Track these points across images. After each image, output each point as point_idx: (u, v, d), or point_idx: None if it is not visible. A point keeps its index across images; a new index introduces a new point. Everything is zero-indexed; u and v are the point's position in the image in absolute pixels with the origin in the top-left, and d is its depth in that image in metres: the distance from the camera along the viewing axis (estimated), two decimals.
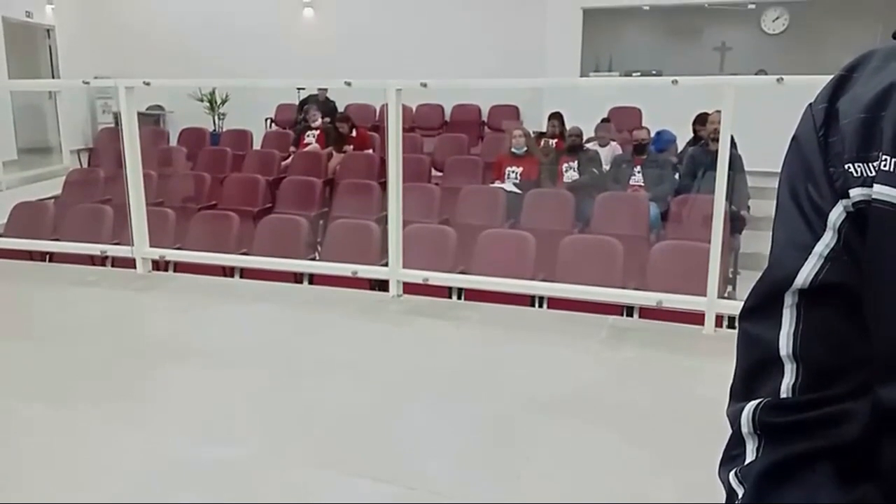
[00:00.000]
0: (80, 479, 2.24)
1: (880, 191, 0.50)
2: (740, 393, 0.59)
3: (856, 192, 0.52)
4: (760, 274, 0.60)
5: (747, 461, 0.57)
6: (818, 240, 0.55)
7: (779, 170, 0.60)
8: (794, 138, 0.58)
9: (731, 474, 0.57)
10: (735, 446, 0.58)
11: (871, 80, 0.54)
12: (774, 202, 0.60)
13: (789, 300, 0.56)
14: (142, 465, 2.33)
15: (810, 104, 0.58)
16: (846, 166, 0.53)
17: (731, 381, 0.61)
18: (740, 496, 0.57)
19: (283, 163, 7.76)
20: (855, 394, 0.53)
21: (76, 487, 2.19)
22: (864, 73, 0.55)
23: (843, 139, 0.53)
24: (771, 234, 0.59)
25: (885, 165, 0.50)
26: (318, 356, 3.22)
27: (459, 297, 4.15)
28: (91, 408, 2.71)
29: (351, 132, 8.19)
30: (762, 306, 0.58)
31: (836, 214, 0.54)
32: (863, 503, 0.52)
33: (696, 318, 3.46)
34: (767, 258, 0.59)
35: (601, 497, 2.16)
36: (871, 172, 0.51)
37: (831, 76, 0.58)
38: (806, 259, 0.55)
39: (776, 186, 0.60)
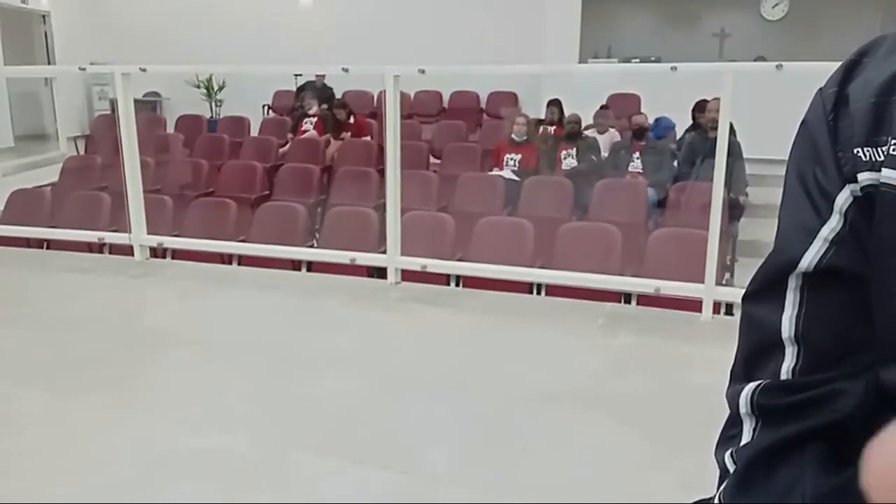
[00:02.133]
0: (76, 468, 2.24)
1: (889, 175, 0.50)
2: (740, 375, 0.59)
3: (864, 177, 0.52)
4: (759, 260, 0.60)
5: (743, 442, 0.57)
6: (824, 224, 0.55)
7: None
8: (803, 122, 0.58)
9: (727, 454, 0.58)
10: (731, 427, 0.58)
11: (881, 64, 0.53)
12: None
13: (793, 283, 0.56)
14: (139, 453, 2.33)
15: (820, 89, 0.57)
16: (855, 150, 0.53)
17: (731, 364, 0.61)
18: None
19: (281, 150, 7.74)
20: (852, 375, 0.53)
21: (73, 476, 2.20)
22: (874, 57, 0.55)
23: (852, 123, 0.53)
24: (777, 219, 0.59)
25: (894, 150, 0.50)
26: (316, 344, 3.23)
27: (457, 285, 4.15)
28: (88, 396, 2.71)
29: (348, 119, 8.16)
30: (765, 289, 0.58)
31: (843, 199, 0.54)
32: (848, 485, 0.52)
33: (694, 304, 3.47)
34: (769, 244, 0.59)
35: (599, 484, 2.17)
36: (880, 157, 0.51)
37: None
38: (811, 243, 0.55)
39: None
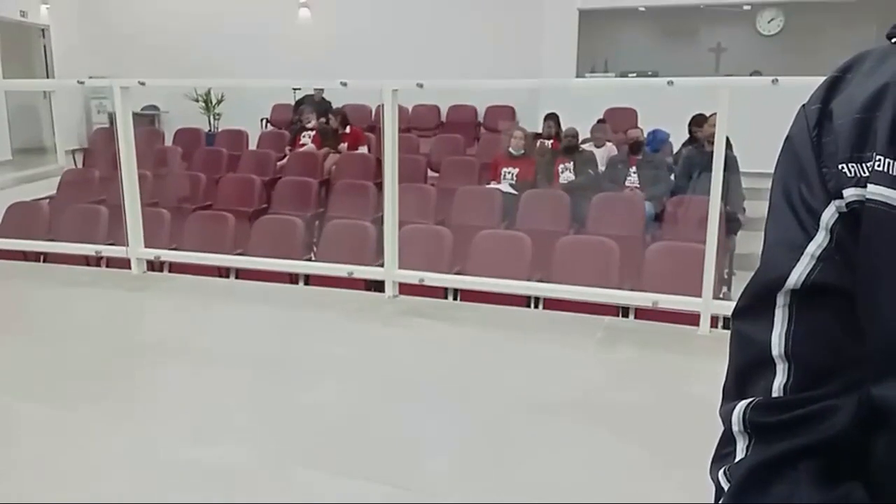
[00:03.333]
0: (74, 479, 2.23)
1: (874, 191, 0.50)
2: (732, 392, 0.60)
3: (849, 193, 0.52)
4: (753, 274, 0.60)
5: (737, 459, 0.57)
6: (810, 240, 0.55)
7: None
8: (787, 139, 0.59)
9: (721, 472, 0.58)
10: (725, 445, 0.59)
11: (865, 81, 0.54)
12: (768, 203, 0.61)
13: (781, 300, 0.56)
14: (136, 465, 2.32)
15: (803, 105, 0.58)
16: (840, 166, 0.53)
17: (723, 381, 0.61)
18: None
19: (279, 163, 7.75)
20: (843, 392, 0.53)
21: (70, 487, 2.19)
22: (857, 74, 0.55)
23: (836, 139, 0.54)
24: (763, 235, 0.60)
25: (878, 166, 0.50)
26: (313, 357, 3.22)
27: (455, 298, 4.15)
28: (86, 408, 2.70)
29: (344, 128, 8.18)
30: (754, 306, 0.58)
31: (829, 215, 0.54)
32: (843, 501, 0.52)
33: (692, 318, 3.47)
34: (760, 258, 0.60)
35: (597, 497, 2.16)
36: (864, 173, 0.51)
37: (826, 77, 0.58)
38: (798, 259, 0.55)
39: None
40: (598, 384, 2.93)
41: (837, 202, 0.53)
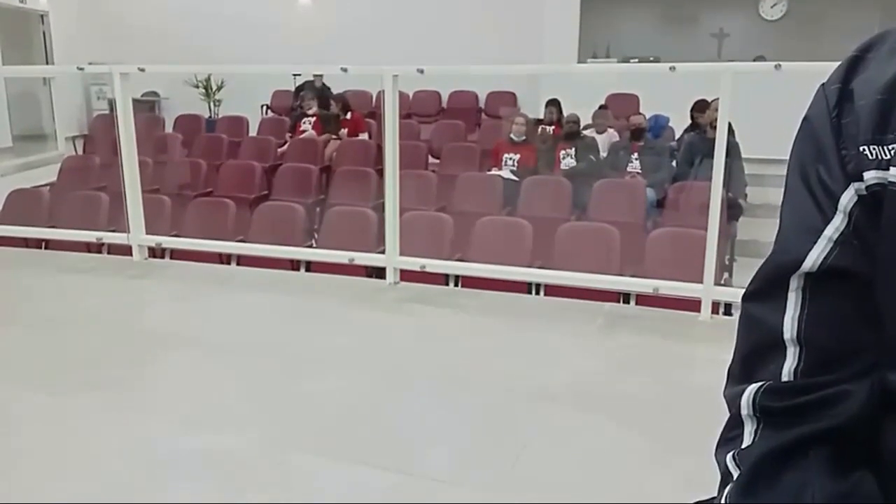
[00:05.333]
0: (75, 468, 2.24)
1: None
2: (740, 375, 0.59)
3: (870, 175, 0.51)
4: (758, 260, 0.59)
5: (745, 444, 0.57)
6: (828, 223, 0.54)
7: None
8: (805, 119, 0.57)
9: (729, 456, 0.57)
10: (733, 428, 0.58)
11: (887, 61, 0.53)
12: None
13: (795, 284, 0.55)
14: (138, 454, 2.33)
15: (823, 84, 0.56)
16: (860, 148, 0.52)
17: (729, 363, 0.61)
18: (735, 478, 0.57)
19: (280, 150, 7.74)
20: (855, 377, 0.53)
21: (72, 476, 2.20)
22: (879, 54, 0.54)
23: (857, 121, 0.52)
24: (779, 217, 0.59)
25: None
26: (314, 344, 3.22)
27: (456, 285, 4.15)
28: (87, 396, 2.70)
29: (345, 114, 8.16)
30: (767, 289, 0.57)
31: (848, 198, 0.53)
32: (854, 491, 0.52)
33: (693, 304, 3.47)
34: (768, 244, 0.59)
35: (598, 484, 2.17)
36: (886, 155, 0.50)
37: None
38: (815, 242, 0.54)
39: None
40: (598, 371, 2.94)
41: (857, 185, 0.52)
